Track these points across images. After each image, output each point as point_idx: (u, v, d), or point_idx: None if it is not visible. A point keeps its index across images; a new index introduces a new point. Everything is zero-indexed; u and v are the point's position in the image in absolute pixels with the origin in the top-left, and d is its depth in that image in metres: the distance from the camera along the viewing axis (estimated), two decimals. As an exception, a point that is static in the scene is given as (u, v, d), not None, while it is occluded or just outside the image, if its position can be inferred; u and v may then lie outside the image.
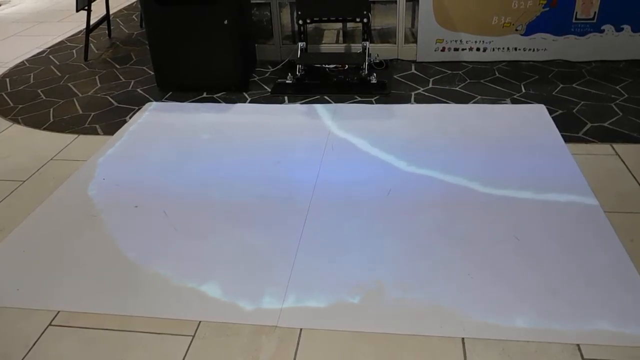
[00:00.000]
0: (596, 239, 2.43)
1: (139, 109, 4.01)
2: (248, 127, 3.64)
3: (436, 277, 2.26)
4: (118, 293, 2.28)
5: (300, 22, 4.26)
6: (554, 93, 3.93)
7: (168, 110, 3.98)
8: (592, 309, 2.07)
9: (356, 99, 4.00)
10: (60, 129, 3.78)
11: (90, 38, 5.23)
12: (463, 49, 4.50)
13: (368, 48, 4.23)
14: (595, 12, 4.25)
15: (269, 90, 4.23)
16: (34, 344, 2.06)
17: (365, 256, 2.40)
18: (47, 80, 4.68)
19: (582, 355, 1.89)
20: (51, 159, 3.39)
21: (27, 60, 5.22)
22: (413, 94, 4.04)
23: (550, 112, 3.63)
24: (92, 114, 4.00)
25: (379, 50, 4.59)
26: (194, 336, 2.06)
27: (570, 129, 3.41)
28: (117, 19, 6.40)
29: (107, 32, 5.80)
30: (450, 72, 4.39)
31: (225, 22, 3.90)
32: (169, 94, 4.24)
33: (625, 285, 2.17)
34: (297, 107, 3.92)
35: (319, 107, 3.88)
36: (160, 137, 3.57)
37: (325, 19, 4.33)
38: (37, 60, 5.21)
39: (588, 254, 2.35)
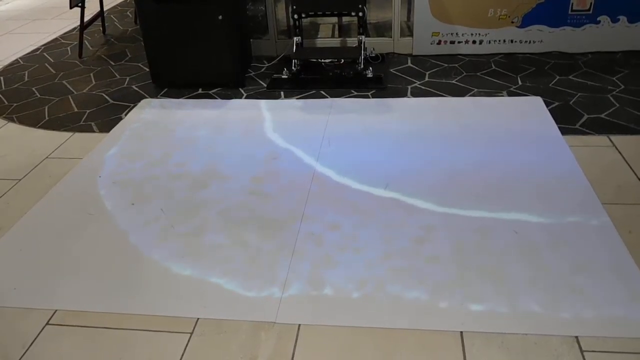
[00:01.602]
0: (594, 231, 2.43)
1: (134, 106, 3.99)
2: (244, 123, 3.63)
3: (434, 272, 2.26)
4: (115, 291, 2.27)
5: (296, 16, 4.25)
6: (550, 85, 3.92)
7: (164, 107, 3.96)
8: (590, 301, 2.07)
9: (352, 93, 3.98)
10: (56, 127, 3.76)
11: (84, 35, 5.20)
12: (459, 42, 4.49)
13: (364, 42, 4.22)
14: (591, 3, 4.24)
15: (265, 85, 4.21)
16: (31, 343, 2.05)
17: (363, 251, 2.40)
18: (41, 78, 4.65)
19: (580, 348, 1.89)
20: (47, 157, 3.37)
21: (21, 58, 5.19)
22: (409, 87, 4.03)
23: (547, 104, 3.63)
24: (88, 111, 3.98)
25: (374, 44, 4.58)
26: (192, 333, 2.05)
27: (567, 120, 3.41)
28: (111, 16, 6.37)
29: (101, 28, 5.77)
30: (446, 65, 4.38)
31: (220, 17, 3.88)
32: (164, 91, 4.22)
33: (623, 276, 2.17)
34: (293, 102, 3.91)
35: (315, 102, 3.87)
36: (156, 133, 3.56)
37: (321, 13, 4.31)
38: (32, 58, 5.18)
39: (586, 246, 2.35)
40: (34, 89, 4.44)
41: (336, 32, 4.94)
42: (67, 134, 3.66)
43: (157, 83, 4.28)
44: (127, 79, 4.51)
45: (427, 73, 4.26)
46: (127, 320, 2.13)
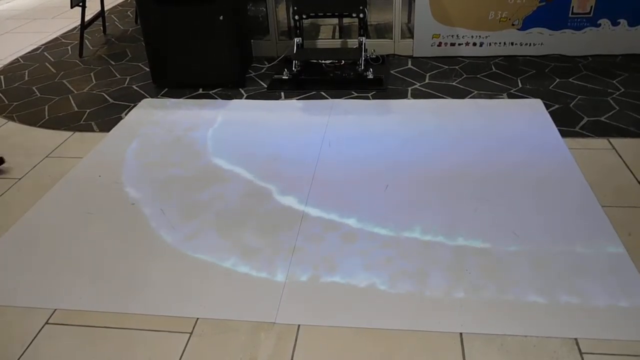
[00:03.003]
0: (594, 233, 2.44)
1: (134, 106, 3.99)
2: (244, 124, 3.63)
3: (434, 273, 2.26)
4: (115, 291, 2.27)
5: (297, 17, 4.25)
6: (550, 87, 3.93)
7: (164, 106, 3.96)
8: (589, 303, 2.07)
9: (353, 94, 3.98)
10: (56, 126, 3.76)
11: (85, 34, 5.20)
12: (460, 44, 4.49)
13: (364, 43, 4.22)
14: (591, 7, 4.25)
15: (265, 86, 4.21)
16: (30, 343, 2.05)
17: (363, 252, 2.40)
18: (42, 77, 4.65)
19: (580, 350, 1.90)
20: (47, 157, 3.37)
21: (21, 57, 5.19)
22: (410, 89, 4.03)
23: (547, 106, 3.63)
24: (88, 110, 3.98)
25: (375, 46, 4.58)
26: (191, 333, 2.05)
27: (567, 123, 3.41)
28: (112, 15, 6.37)
29: (102, 28, 5.77)
30: (447, 67, 4.38)
31: (221, 18, 3.89)
32: (164, 91, 4.22)
33: (623, 279, 2.17)
34: (294, 103, 3.91)
35: (316, 103, 3.87)
36: (156, 133, 3.56)
37: (322, 14, 4.31)
38: (32, 57, 5.18)
39: (586, 248, 2.35)
40: (34, 88, 4.44)
41: (337, 34, 4.95)
42: (67, 133, 3.66)
43: (158, 83, 4.28)
44: (128, 79, 4.51)
45: (428, 75, 4.26)
46: (127, 319, 2.13)
